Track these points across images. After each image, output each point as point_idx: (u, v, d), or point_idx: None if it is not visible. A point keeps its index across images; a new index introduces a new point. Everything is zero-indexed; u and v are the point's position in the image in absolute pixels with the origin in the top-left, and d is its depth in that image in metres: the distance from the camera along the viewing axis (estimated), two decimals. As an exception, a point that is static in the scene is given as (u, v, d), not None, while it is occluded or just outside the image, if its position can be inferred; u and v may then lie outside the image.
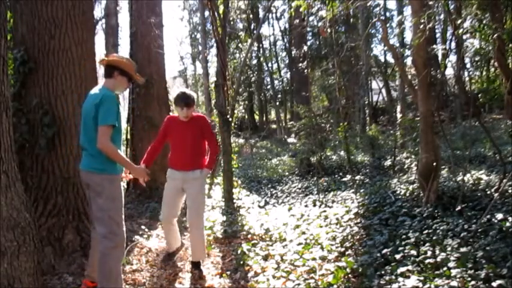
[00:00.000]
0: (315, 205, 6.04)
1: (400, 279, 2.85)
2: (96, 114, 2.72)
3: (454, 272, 2.79)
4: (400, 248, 3.42)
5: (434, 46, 8.80)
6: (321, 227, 4.57)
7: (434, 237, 3.56)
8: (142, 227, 4.97)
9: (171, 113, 6.53)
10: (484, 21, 4.67)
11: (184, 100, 3.49)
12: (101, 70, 3.82)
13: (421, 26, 4.48)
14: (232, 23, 17.25)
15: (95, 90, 2.93)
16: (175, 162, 3.63)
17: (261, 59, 23.73)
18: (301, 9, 6.93)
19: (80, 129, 2.93)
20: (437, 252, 3.23)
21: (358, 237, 4.11)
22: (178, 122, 3.61)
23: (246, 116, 22.97)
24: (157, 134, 3.80)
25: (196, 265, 3.71)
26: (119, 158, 2.80)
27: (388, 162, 8.98)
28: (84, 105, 2.90)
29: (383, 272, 3.06)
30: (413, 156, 8.08)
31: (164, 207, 3.72)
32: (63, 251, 3.51)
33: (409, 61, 12.11)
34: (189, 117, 3.57)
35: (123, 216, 2.94)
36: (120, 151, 2.84)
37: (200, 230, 3.62)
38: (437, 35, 14.52)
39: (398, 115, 12.41)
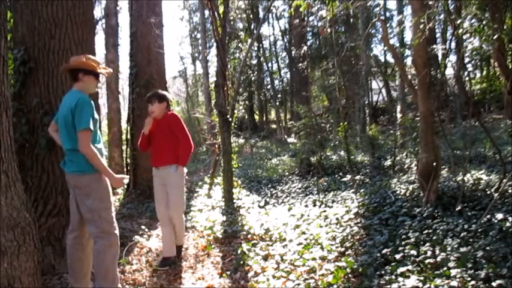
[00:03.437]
0: (315, 205, 6.03)
1: (400, 279, 2.85)
2: (73, 119, 2.73)
3: (454, 272, 2.79)
4: (400, 248, 3.42)
5: (434, 46, 8.79)
6: (321, 227, 4.57)
7: (434, 237, 3.56)
8: (142, 227, 4.97)
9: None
10: (484, 21, 4.67)
11: (146, 97, 3.86)
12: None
13: (421, 26, 4.48)
14: (232, 23, 17.26)
15: (69, 94, 2.90)
16: (151, 159, 3.85)
17: (261, 59, 23.74)
18: (301, 9, 6.92)
19: (60, 134, 2.92)
20: (437, 252, 3.23)
21: (358, 237, 4.10)
22: (156, 120, 3.82)
23: (246, 116, 22.97)
24: None
25: (178, 249, 3.98)
26: (97, 162, 2.76)
27: (388, 162, 8.98)
28: (61, 110, 2.87)
29: (383, 272, 3.06)
30: (413, 156, 8.08)
31: (156, 205, 3.90)
32: (63, 251, 3.50)
33: (409, 61, 12.15)
34: (161, 115, 3.78)
35: (114, 214, 2.95)
36: (101, 154, 2.85)
37: (179, 222, 3.84)
38: (437, 35, 14.52)
39: (398, 115, 12.41)
